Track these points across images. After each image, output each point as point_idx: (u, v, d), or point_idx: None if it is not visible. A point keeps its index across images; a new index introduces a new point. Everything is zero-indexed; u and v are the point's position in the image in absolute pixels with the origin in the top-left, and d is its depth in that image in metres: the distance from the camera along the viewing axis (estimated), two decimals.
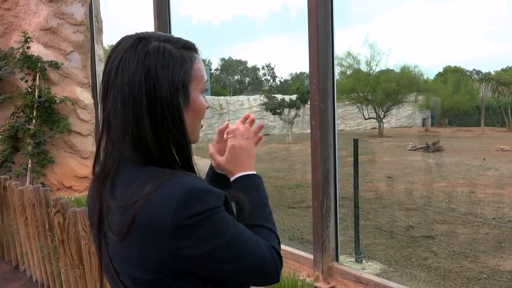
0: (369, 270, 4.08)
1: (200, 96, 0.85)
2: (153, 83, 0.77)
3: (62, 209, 2.73)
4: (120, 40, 0.83)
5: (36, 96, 5.27)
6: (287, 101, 20.33)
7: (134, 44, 0.79)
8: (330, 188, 3.21)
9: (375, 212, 6.40)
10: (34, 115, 5.27)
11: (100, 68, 6.65)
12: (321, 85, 3.04)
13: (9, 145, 5.33)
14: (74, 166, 5.64)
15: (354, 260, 4.25)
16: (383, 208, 6.66)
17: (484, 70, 45.09)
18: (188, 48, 0.84)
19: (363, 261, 4.29)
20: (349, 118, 26.61)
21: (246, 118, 1.02)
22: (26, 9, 5.62)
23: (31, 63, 5.33)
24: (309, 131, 3.18)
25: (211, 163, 1.07)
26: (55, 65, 5.46)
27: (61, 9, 5.50)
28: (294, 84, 27.84)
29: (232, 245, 0.77)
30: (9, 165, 5.33)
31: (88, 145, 5.82)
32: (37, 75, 5.34)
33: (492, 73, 41.34)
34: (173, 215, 0.72)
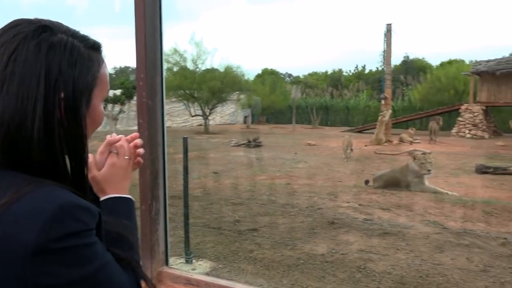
0: (200, 269, 4.07)
1: (101, 104, 0.80)
2: (55, 82, 0.69)
3: None
4: (16, 22, 0.70)
5: None
6: (110, 96, 19.25)
7: (36, 31, 0.69)
8: (159, 189, 3.01)
9: (204, 209, 6.47)
10: None
11: None
12: (149, 81, 2.84)
13: None
14: None
15: (184, 261, 4.18)
16: (211, 205, 6.78)
17: (295, 73, 50.73)
18: (96, 49, 0.78)
19: (194, 261, 4.25)
20: (176, 115, 26.77)
21: (133, 138, 0.95)
22: None
23: None
24: (134, 128, 2.97)
25: None
26: None
27: None
28: (119, 78, 26.40)
29: (98, 277, 0.69)
30: None
31: None
32: None
33: (301, 77, 47.01)
34: (38, 235, 0.61)
